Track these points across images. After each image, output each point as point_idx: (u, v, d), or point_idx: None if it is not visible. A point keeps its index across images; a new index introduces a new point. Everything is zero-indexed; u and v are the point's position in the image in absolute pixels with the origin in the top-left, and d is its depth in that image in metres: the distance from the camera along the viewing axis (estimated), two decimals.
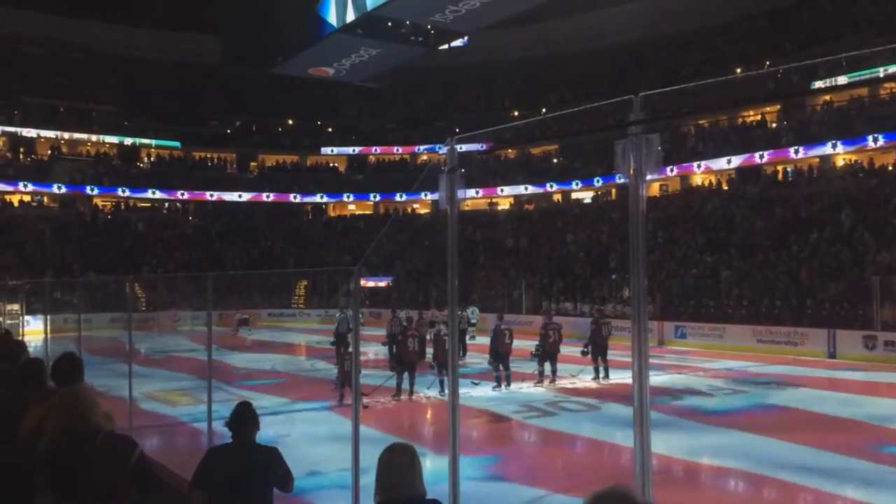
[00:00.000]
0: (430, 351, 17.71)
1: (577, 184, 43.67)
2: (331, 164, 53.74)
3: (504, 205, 47.98)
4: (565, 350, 17.66)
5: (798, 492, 8.93)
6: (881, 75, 31.44)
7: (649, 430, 4.59)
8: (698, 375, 18.45)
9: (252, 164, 52.99)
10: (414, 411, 14.71)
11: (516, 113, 47.21)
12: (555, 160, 46.61)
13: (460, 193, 6.88)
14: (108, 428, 3.75)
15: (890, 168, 31.50)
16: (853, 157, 33.17)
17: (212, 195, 49.25)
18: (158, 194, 48.19)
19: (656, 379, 16.75)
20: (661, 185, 39.67)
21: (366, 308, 33.16)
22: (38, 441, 3.65)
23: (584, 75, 46.67)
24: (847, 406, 14.10)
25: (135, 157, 50.29)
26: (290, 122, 54.26)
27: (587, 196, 44.85)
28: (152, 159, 50.88)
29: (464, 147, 6.39)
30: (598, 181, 41.67)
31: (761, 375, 18.32)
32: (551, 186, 45.11)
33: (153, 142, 50.54)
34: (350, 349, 16.08)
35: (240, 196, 49.78)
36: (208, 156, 52.46)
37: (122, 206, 48.39)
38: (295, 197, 50.69)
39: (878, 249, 25.39)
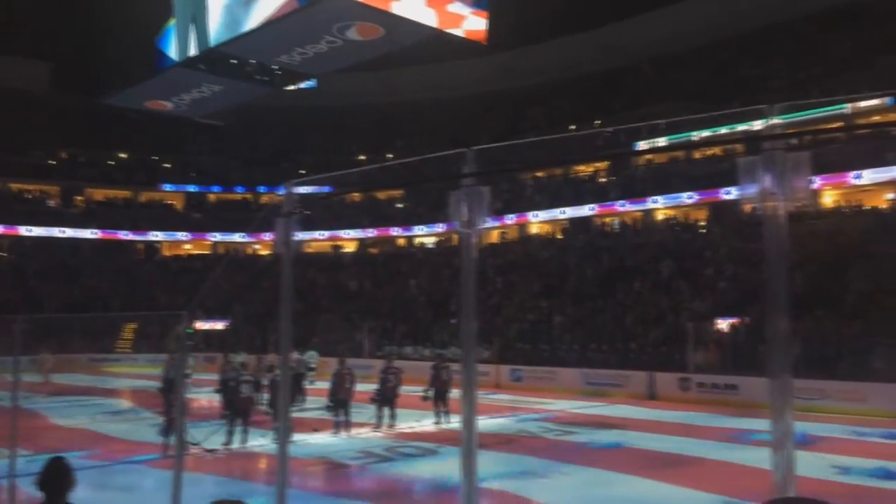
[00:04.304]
0: (267, 396, 17.14)
1: (420, 228, 44.41)
2: (167, 202, 51.35)
3: (349, 248, 47.81)
4: (408, 394, 17.66)
5: None
6: (694, 139, 34.71)
7: (475, 472, 4.71)
8: (532, 418, 19.05)
9: (78, 198, 49.58)
10: (246, 461, 14.10)
11: (363, 157, 47.53)
12: (399, 205, 47.20)
13: (300, 236, 6.84)
14: None
15: (702, 223, 34.63)
16: (671, 212, 36.16)
17: (29, 230, 45.52)
18: None
19: (491, 422, 17.13)
20: (501, 233, 41.18)
21: (200, 353, 31.61)
22: None
23: (429, 123, 47.85)
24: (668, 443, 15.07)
25: None
26: (124, 155, 51.46)
27: (430, 241, 45.67)
28: None
29: (308, 189, 6.34)
30: (440, 226, 42.58)
31: (589, 417, 19.23)
32: (395, 230, 45.57)
33: None
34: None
35: (62, 232, 46.32)
36: (27, 188, 48.56)
37: None
38: (125, 234, 47.92)
39: (692, 297, 27.62)
